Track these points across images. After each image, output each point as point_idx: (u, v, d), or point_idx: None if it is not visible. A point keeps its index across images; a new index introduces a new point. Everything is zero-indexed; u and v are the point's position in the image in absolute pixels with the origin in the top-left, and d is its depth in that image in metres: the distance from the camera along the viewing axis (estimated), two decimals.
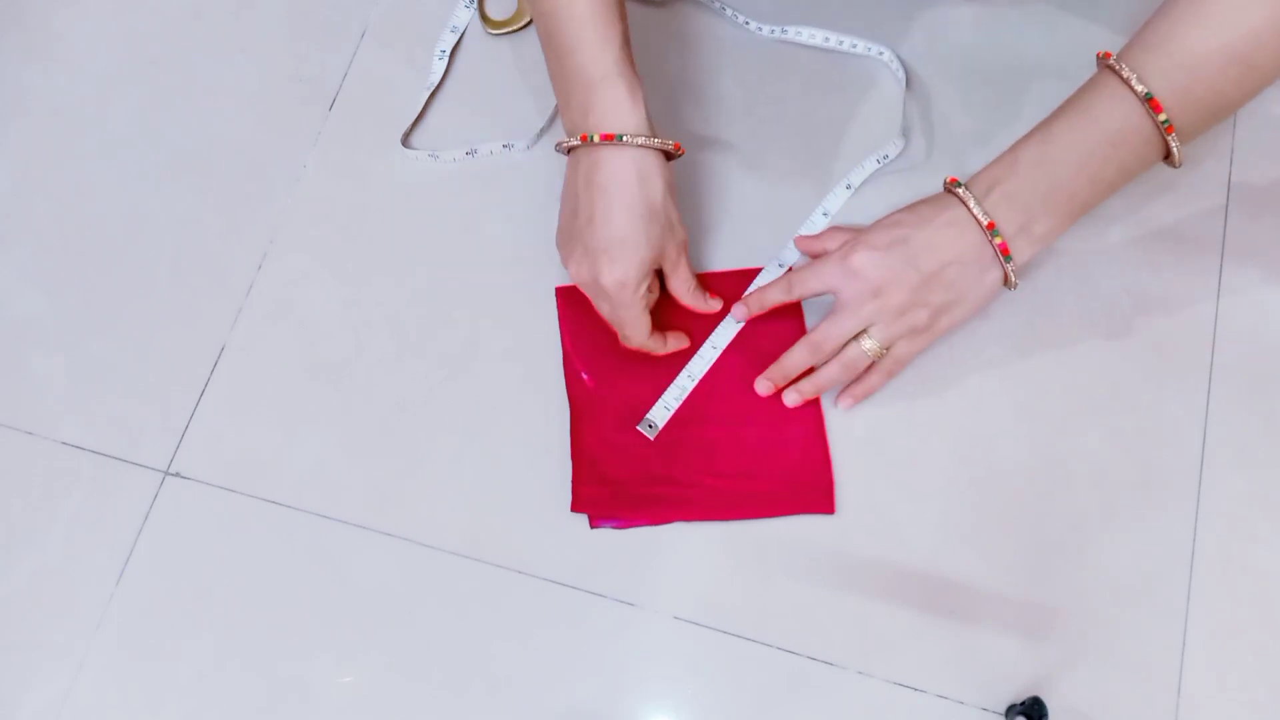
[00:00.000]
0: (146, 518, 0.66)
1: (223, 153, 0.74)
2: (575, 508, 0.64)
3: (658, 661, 0.62)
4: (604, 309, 0.64)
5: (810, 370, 0.64)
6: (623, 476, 0.65)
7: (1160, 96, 0.56)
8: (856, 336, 0.61)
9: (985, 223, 0.59)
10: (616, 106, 0.61)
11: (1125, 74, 0.56)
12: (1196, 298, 0.67)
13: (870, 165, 0.70)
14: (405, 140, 0.74)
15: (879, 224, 0.62)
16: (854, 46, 0.74)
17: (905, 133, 0.71)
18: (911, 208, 0.62)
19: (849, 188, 0.70)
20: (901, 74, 0.72)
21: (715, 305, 0.67)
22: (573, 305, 0.68)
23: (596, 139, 0.60)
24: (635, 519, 0.64)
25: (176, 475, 0.67)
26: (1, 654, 0.63)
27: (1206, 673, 0.60)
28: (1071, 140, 0.58)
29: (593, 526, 0.64)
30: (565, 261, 0.64)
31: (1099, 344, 0.66)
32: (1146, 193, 0.69)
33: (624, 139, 0.60)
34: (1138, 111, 0.57)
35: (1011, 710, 0.58)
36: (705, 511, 0.64)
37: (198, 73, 0.77)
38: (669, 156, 0.63)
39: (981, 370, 0.66)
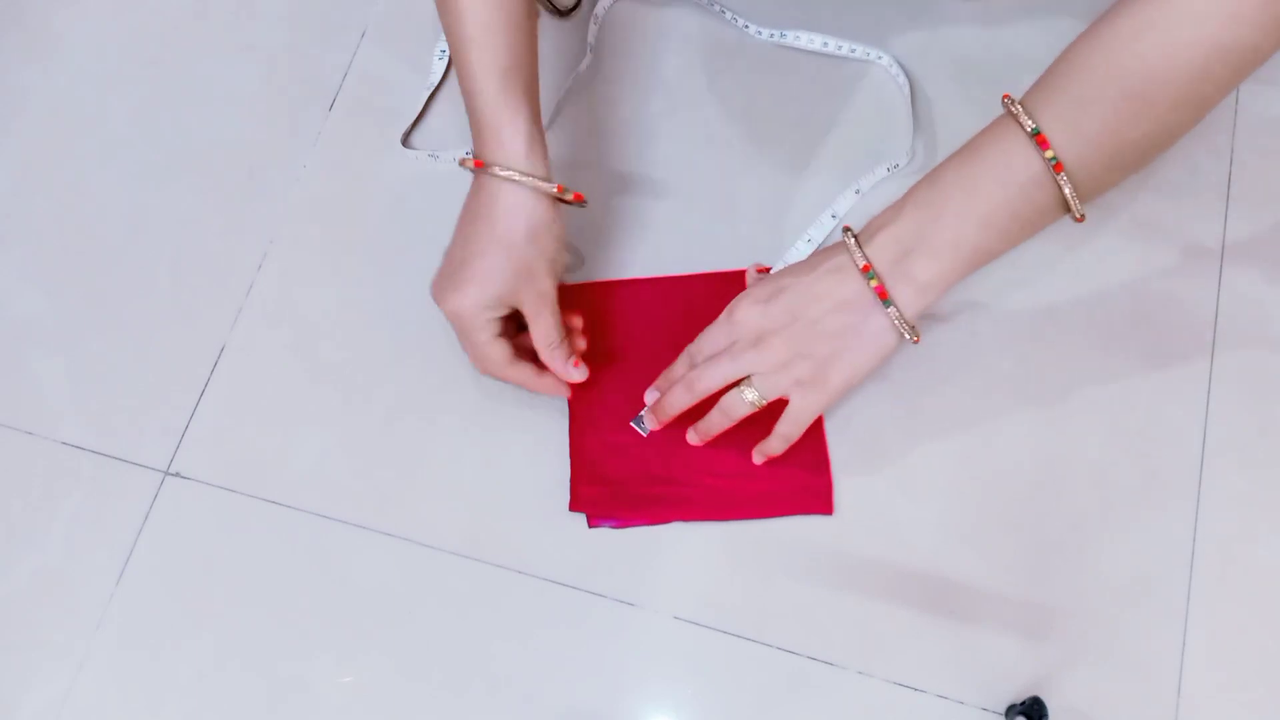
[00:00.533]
0: (146, 518, 0.66)
1: (223, 153, 0.74)
2: (574, 507, 0.64)
3: (658, 661, 0.62)
4: (462, 341, 0.63)
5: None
6: (621, 476, 0.65)
7: (1048, 132, 0.53)
8: (739, 385, 0.60)
9: (861, 265, 0.56)
10: (495, 137, 0.59)
11: (1016, 111, 0.54)
12: (1196, 298, 0.67)
13: (880, 173, 0.70)
14: (405, 140, 0.74)
15: (767, 277, 0.61)
16: (852, 51, 0.73)
17: (914, 145, 0.71)
18: (804, 259, 0.61)
19: (858, 192, 0.70)
20: (903, 80, 0.72)
21: (576, 375, 0.64)
22: (572, 305, 0.68)
23: (471, 165, 0.60)
24: (633, 519, 0.64)
25: (176, 475, 0.67)
26: (1, 654, 0.64)
27: (1206, 673, 0.60)
28: (958, 179, 0.56)
29: (591, 526, 0.64)
30: (434, 287, 0.63)
31: (1099, 344, 0.66)
32: (1147, 193, 0.69)
33: (494, 170, 0.59)
34: (1026, 149, 0.54)
35: (1011, 710, 0.58)
36: (704, 511, 0.64)
37: (198, 73, 0.77)
38: (559, 200, 0.61)
39: (981, 370, 0.66)
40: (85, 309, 0.71)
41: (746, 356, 0.59)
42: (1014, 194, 0.55)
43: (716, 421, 0.62)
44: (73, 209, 0.74)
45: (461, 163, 0.61)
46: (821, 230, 0.69)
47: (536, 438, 0.66)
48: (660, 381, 0.64)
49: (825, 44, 0.74)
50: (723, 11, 0.75)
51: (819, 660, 0.61)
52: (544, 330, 0.62)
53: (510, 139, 0.59)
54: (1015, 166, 0.55)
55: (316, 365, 0.69)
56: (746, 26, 0.75)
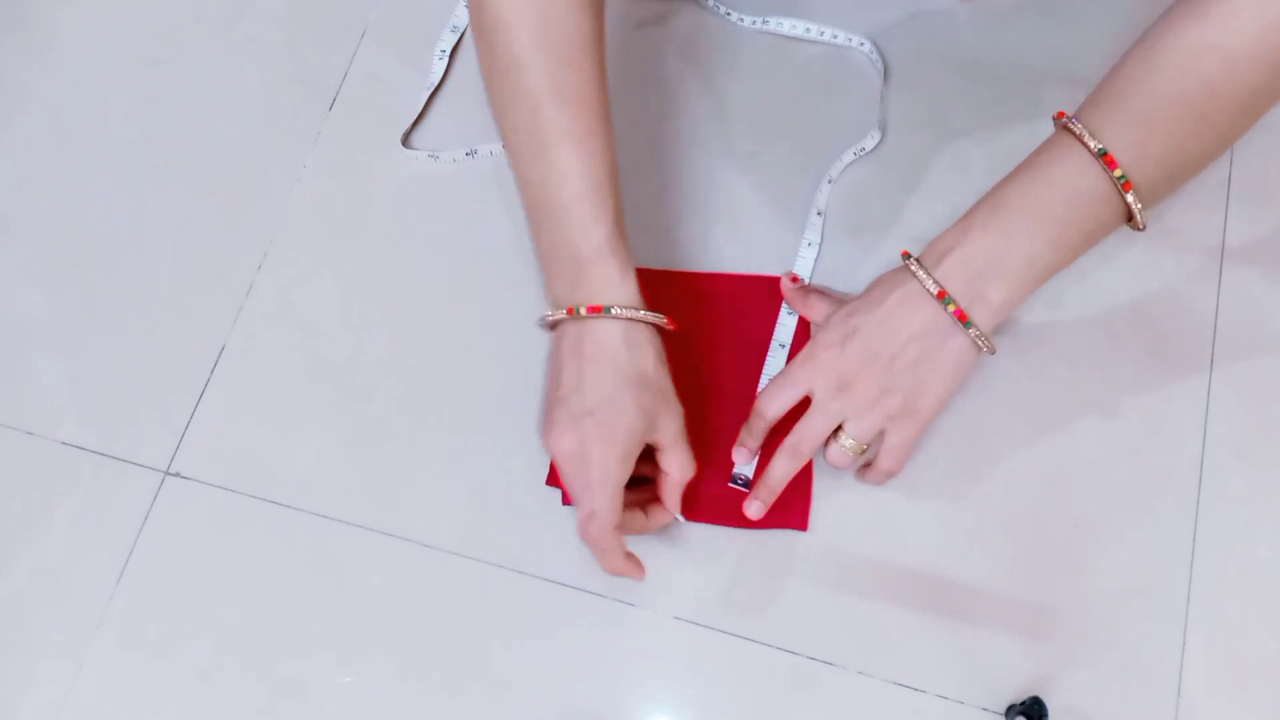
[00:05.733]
0: (146, 518, 0.66)
1: (223, 153, 0.75)
2: (550, 481, 0.64)
3: (658, 661, 0.62)
4: (577, 487, 0.58)
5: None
6: None
7: (1115, 152, 0.54)
8: (836, 434, 0.59)
9: (935, 292, 0.57)
10: (607, 282, 0.58)
11: (1078, 130, 0.55)
12: (1196, 298, 0.67)
13: (847, 158, 0.71)
14: (405, 140, 0.74)
15: (835, 316, 0.60)
16: (834, 37, 0.74)
17: (882, 125, 0.71)
18: (866, 291, 0.60)
19: (830, 182, 0.70)
20: (880, 65, 0.72)
21: (677, 517, 0.61)
22: None
23: (584, 311, 0.58)
24: None
25: (176, 475, 0.67)
26: (1, 654, 0.64)
27: (1206, 673, 0.60)
28: (1024, 202, 0.56)
29: (565, 503, 0.64)
30: (547, 432, 0.59)
31: (1099, 344, 0.66)
32: None
33: (613, 310, 0.58)
34: (1093, 169, 0.55)
35: (1011, 710, 0.58)
36: (681, 512, 0.63)
37: (197, 73, 0.77)
38: (662, 331, 0.60)
39: (981, 370, 0.66)
40: (85, 309, 0.71)
41: (835, 404, 0.59)
42: (1081, 213, 0.56)
43: (781, 473, 0.60)
44: (73, 209, 0.74)
45: (552, 322, 0.59)
46: (815, 230, 0.69)
47: (537, 438, 0.66)
48: (745, 438, 0.62)
49: (807, 29, 0.74)
50: (706, 0, 0.75)
51: (819, 660, 0.61)
52: (682, 461, 0.60)
53: (623, 280, 0.59)
54: (1081, 186, 0.55)
55: (316, 365, 0.69)
56: (729, 14, 0.75)
